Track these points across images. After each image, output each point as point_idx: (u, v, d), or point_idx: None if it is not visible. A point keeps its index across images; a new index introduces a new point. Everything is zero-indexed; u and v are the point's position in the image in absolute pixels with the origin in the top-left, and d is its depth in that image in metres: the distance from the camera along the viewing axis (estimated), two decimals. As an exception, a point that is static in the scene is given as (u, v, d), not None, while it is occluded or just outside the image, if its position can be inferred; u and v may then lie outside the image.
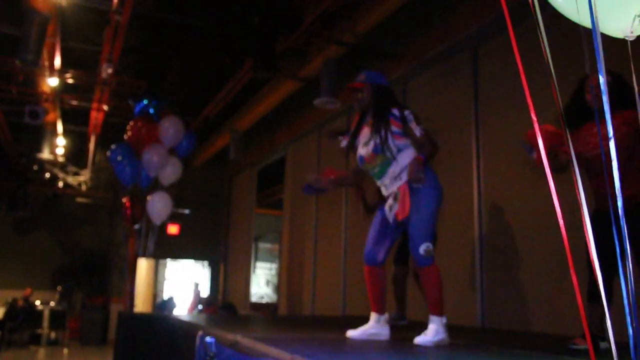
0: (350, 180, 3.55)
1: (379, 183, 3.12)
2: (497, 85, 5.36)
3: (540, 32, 1.22)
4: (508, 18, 1.33)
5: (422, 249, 2.87)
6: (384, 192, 3.09)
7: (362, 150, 3.09)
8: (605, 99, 1.16)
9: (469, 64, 5.70)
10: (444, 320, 2.93)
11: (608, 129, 1.21)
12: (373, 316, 3.11)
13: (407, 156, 2.99)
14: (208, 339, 2.55)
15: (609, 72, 3.02)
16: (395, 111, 3.04)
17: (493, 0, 5.13)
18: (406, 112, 3.02)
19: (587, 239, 1.18)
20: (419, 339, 2.86)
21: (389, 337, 3.09)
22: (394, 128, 2.99)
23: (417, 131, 2.98)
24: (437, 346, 2.84)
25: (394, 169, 2.99)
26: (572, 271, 1.23)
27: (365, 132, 3.12)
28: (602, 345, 2.93)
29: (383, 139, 2.97)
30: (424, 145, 2.98)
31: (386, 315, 3.16)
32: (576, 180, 1.21)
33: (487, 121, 5.43)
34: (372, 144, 3.02)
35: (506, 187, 5.10)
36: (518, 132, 5.02)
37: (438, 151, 3.06)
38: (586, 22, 1.24)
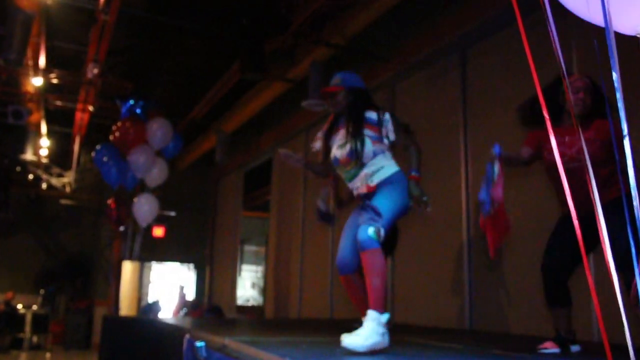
0: (319, 168, 3.37)
1: (350, 186, 3.04)
2: (485, 88, 5.38)
3: (550, 29, 1.21)
4: (518, 12, 1.31)
5: (371, 228, 2.65)
6: (355, 193, 3.02)
7: (337, 152, 3.01)
8: (619, 95, 1.14)
9: (457, 66, 5.72)
10: (384, 318, 2.57)
11: (624, 130, 1.19)
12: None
13: (380, 160, 2.93)
14: (198, 343, 2.51)
15: (586, 76, 2.93)
16: (373, 114, 2.97)
17: (481, 3, 5.16)
18: (385, 116, 2.96)
19: (601, 238, 1.16)
20: (347, 340, 2.44)
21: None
22: (371, 132, 2.92)
23: (391, 135, 2.92)
24: (371, 352, 2.43)
25: (366, 172, 2.92)
26: (587, 272, 1.21)
27: (342, 134, 3.03)
28: (574, 348, 2.89)
29: (361, 145, 2.88)
30: (409, 148, 2.93)
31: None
32: (590, 181, 1.20)
33: (475, 124, 5.44)
34: (348, 148, 2.93)
35: (494, 190, 5.11)
36: (506, 134, 5.04)
37: (421, 155, 2.98)
38: (597, 20, 1.23)
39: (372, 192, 2.86)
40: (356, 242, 2.75)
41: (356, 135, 2.92)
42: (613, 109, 2.82)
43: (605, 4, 1.14)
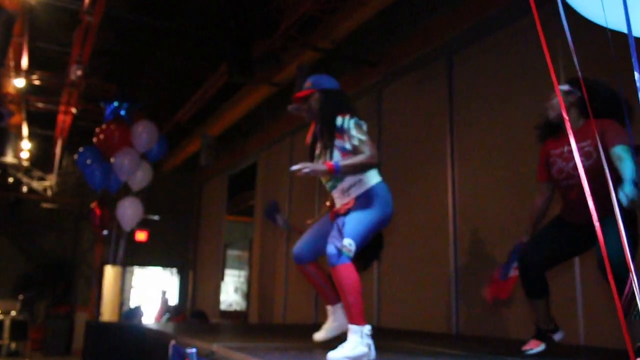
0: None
1: (334, 194, 2.94)
2: (471, 93, 5.41)
3: (566, 33, 1.20)
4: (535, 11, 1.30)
5: (340, 243, 2.55)
6: (337, 204, 2.91)
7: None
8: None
9: (445, 71, 5.74)
10: (366, 329, 2.52)
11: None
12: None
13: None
14: (189, 349, 2.46)
15: (576, 81, 2.77)
16: (339, 120, 2.78)
17: (469, 8, 5.19)
18: (348, 121, 2.76)
19: (622, 239, 1.15)
20: (332, 354, 2.43)
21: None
22: (341, 143, 2.76)
23: (353, 140, 2.71)
24: None
25: (342, 186, 2.81)
26: (610, 277, 1.20)
27: (320, 144, 2.93)
28: (557, 336, 2.95)
29: (331, 157, 2.77)
30: (357, 154, 2.72)
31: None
32: (610, 184, 1.19)
33: (462, 128, 5.46)
34: (322, 160, 2.83)
35: (481, 194, 5.13)
36: (493, 139, 5.07)
37: (374, 166, 2.76)
38: (612, 23, 1.22)
39: (351, 208, 2.71)
40: (318, 240, 2.88)
41: (327, 146, 2.81)
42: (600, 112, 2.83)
43: (627, 7, 1.13)
